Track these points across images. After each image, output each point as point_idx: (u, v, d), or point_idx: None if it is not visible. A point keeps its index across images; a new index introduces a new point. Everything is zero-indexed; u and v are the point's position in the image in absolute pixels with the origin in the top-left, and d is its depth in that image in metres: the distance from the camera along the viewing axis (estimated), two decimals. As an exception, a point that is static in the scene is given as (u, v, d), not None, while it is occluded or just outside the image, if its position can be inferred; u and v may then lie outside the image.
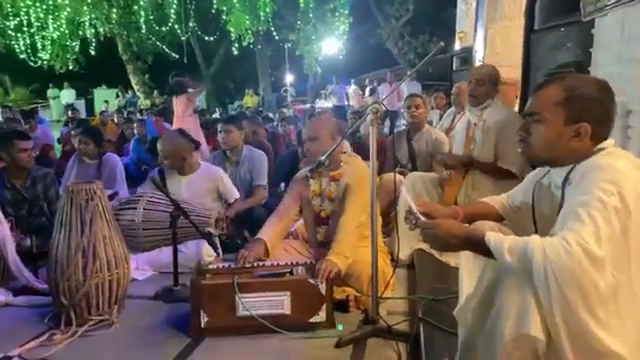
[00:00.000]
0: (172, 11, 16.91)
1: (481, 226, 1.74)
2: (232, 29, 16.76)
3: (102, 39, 18.22)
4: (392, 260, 3.07)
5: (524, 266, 1.37)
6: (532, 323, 1.35)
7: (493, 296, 1.46)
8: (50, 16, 16.64)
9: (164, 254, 3.28)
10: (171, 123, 7.99)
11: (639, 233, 1.40)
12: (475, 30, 7.30)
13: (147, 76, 20.67)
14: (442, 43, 2.52)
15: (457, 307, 1.74)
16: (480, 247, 1.49)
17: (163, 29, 17.80)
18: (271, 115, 11.67)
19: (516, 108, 4.53)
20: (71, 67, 18.67)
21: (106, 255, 2.62)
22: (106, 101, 18.69)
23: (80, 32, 17.65)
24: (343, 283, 2.72)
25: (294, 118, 9.22)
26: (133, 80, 20.37)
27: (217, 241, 3.39)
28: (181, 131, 4.04)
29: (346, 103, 15.09)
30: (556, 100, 1.57)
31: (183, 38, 18.04)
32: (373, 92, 13.85)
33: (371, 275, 2.45)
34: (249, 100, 18.31)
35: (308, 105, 16.62)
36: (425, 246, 3.14)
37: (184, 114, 7.37)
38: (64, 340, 2.48)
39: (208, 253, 3.36)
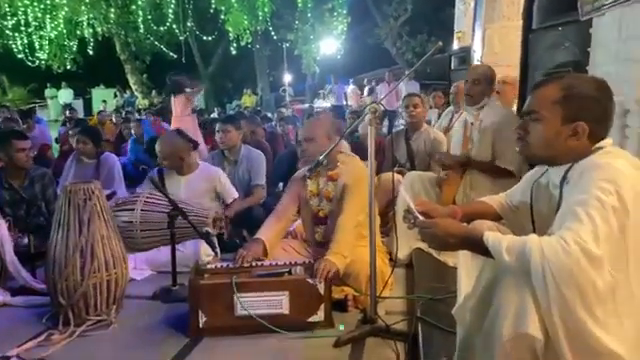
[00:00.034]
0: (170, 11, 16.90)
1: (479, 225, 1.74)
2: (230, 29, 16.76)
3: (100, 39, 18.18)
4: (390, 259, 3.07)
5: (522, 265, 1.37)
6: (530, 322, 1.35)
7: (491, 295, 1.46)
8: (48, 16, 16.60)
9: (162, 254, 3.28)
10: (169, 123, 7.98)
11: (637, 232, 1.40)
12: (473, 30, 7.31)
13: (145, 76, 20.64)
14: (440, 43, 2.53)
15: (455, 306, 1.74)
16: (478, 246, 1.49)
17: (161, 29, 17.80)
18: (269, 115, 11.66)
19: (514, 107, 4.53)
20: (69, 67, 18.63)
21: (104, 255, 2.62)
22: (104, 101, 18.69)
23: (78, 32, 17.61)
24: (342, 282, 2.72)
25: (293, 118, 9.21)
26: (131, 80, 20.34)
27: (215, 241, 3.39)
28: (179, 131, 4.04)
29: (344, 103, 15.08)
30: (554, 99, 1.57)
31: (181, 38, 18.02)
32: (371, 92, 13.85)
33: (369, 274, 2.45)
34: (247, 100, 18.30)
35: (306, 105, 16.63)
36: (423, 245, 3.14)
37: (182, 114, 7.37)
38: (62, 340, 2.48)
39: (206, 253, 3.35)
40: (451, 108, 5.24)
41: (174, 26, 17.44)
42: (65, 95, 19.22)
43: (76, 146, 4.59)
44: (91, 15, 17.12)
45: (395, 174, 3.17)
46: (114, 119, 10.45)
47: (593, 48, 3.08)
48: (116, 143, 8.06)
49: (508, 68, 5.00)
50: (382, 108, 2.46)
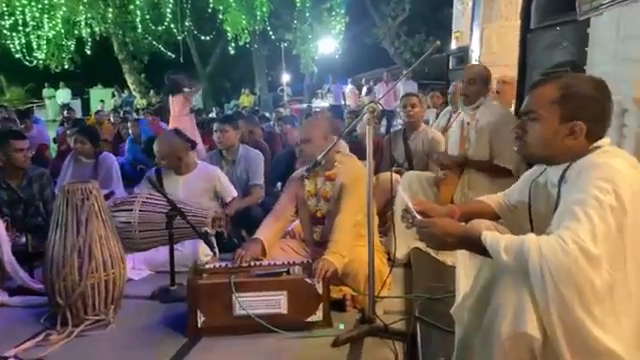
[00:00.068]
0: (168, 10, 16.86)
1: (477, 225, 1.74)
2: (228, 28, 16.74)
3: (98, 38, 18.16)
4: (389, 259, 3.07)
5: (520, 265, 1.37)
6: (528, 321, 1.36)
7: (490, 295, 1.47)
8: (45, 15, 16.56)
9: (160, 253, 3.27)
10: (167, 123, 7.97)
11: (635, 231, 1.40)
12: (471, 29, 7.31)
13: (143, 75, 20.62)
14: (438, 42, 2.52)
15: (454, 306, 1.74)
16: (476, 246, 1.49)
17: (159, 28, 17.75)
18: (268, 115, 11.66)
19: (513, 107, 4.54)
20: (67, 67, 18.58)
21: (102, 255, 2.61)
22: (102, 101, 18.65)
23: (76, 31, 17.58)
24: (340, 282, 2.72)
25: (291, 117, 9.21)
26: (129, 80, 20.31)
27: (214, 241, 3.39)
28: (177, 131, 4.03)
29: (342, 103, 15.08)
30: (552, 98, 1.58)
31: (179, 37, 17.99)
32: (370, 92, 13.86)
33: (368, 274, 2.44)
34: (245, 100, 18.29)
35: (305, 105, 16.62)
36: (422, 245, 3.14)
37: (181, 113, 7.35)
38: (60, 340, 2.47)
39: (205, 253, 3.35)
40: (449, 108, 5.25)
41: (172, 26, 17.41)
42: (63, 95, 19.20)
43: (74, 146, 4.59)
44: (89, 15, 17.08)
45: (393, 174, 3.17)
46: (112, 119, 10.44)
47: (591, 48, 3.08)
48: (114, 143, 8.06)
49: (507, 68, 5.01)
50: (380, 108, 2.45)
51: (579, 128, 1.54)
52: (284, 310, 2.47)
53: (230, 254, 2.91)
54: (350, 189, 2.84)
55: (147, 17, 17.26)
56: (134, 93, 20.09)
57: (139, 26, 17.39)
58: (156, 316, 2.77)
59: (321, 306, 2.50)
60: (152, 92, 19.31)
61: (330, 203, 2.94)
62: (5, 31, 16.55)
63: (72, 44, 18.01)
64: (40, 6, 16.23)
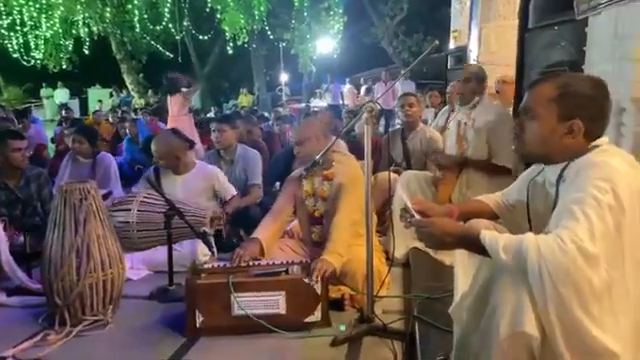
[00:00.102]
0: (166, 10, 16.85)
1: (476, 224, 1.74)
2: (227, 28, 16.74)
3: (96, 38, 18.14)
4: (387, 258, 3.07)
5: (519, 264, 1.37)
6: (527, 321, 1.36)
7: (488, 294, 1.47)
8: (43, 15, 16.54)
9: (159, 253, 3.27)
10: (166, 122, 7.97)
11: (633, 230, 1.40)
12: (469, 29, 7.31)
13: (141, 75, 20.60)
14: (437, 42, 2.52)
15: (452, 305, 1.74)
16: (475, 245, 1.49)
17: (157, 28, 17.75)
18: (266, 114, 11.65)
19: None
20: (65, 66, 18.57)
21: (100, 255, 2.61)
22: (100, 100, 18.62)
23: (74, 31, 17.56)
24: (338, 282, 2.72)
25: (290, 117, 9.21)
26: (127, 79, 20.29)
27: (212, 240, 3.39)
28: (175, 130, 4.03)
29: (340, 102, 15.09)
30: (550, 97, 1.58)
31: (177, 37, 18.00)
32: (369, 91, 13.85)
33: (366, 274, 2.45)
34: (244, 99, 18.28)
35: (303, 104, 16.61)
36: (420, 244, 3.11)
37: (179, 113, 7.36)
38: (58, 340, 2.47)
39: (203, 252, 3.34)
40: (447, 107, 5.25)
41: (170, 25, 17.40)
42: (61, 95, 19.16)
43: (72, 145, 4.58)
44: (87, 14, 17.06)
45: (391, 173, 3.17)
46: (110, 119, 10.42)
47: (589, 47, 3.08)
48: (112, 143, 8.04)
49: (507, 68, 5.00)
50: (378, 107, 2.46)
51: (577, 127, 1.54)
52: (282, 310, 2.47)
53: (228, 254, 2.91)
54: (348, 188, 2.84)
55: (145, 17, 17.25)
56: (132, 93, 20.07)
57: (137, 26, 17.38)
58: (154, 316, 2.77)
59: (320, 306, 2.49)
60: (150, 92, 19.28)
61: (328, 203, 2.94)
62: (3, 31, 16.54)
63: (70, 44, 18.00)
64: (38, 6, 16.21)
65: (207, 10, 16.92)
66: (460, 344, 1.68)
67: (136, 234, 3.39)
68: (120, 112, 12.42)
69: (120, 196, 4.02)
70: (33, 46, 17.30)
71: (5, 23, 16.32)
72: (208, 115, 12.73)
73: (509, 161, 3.20)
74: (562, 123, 1.56)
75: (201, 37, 18.92)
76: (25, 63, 17.72)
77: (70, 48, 18.17)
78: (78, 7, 16.54)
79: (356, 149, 4.14)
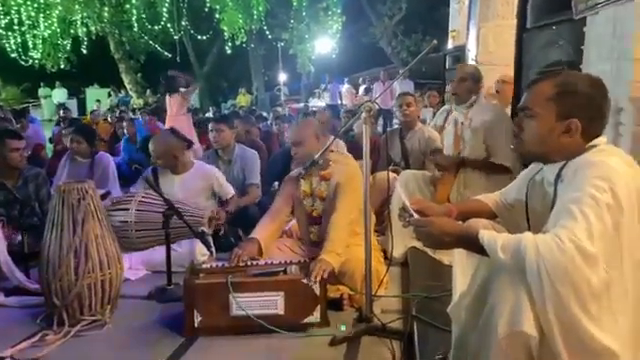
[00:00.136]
0: (164, 10, 16.83)
1: (474, 224, 1.74)
2: (225, 28, 16.72)
3: (94, 38, 18.12)
4: (386, 258, 3.07)
5: (517, 263, 1.37)
6: (525, 320, 1.36)
7: (486, 293, 1.47)
8: (41, 14, 16.52)
9: (157, 253, 3.27)
10: (164, 122, 7.96)
11: (631, 230, 1.40)
12: (468, 29, 7.30)
13: (139, 75, 20.59)
14: (435, 42, 2.53)
15: (451, 305, 1.74)
16: (474, 245, 1.49)
17: (155, 28, 17.72)
18: (265, 114, 11.65)
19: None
20: (63, 66, 18.56)
21: (98, 255, 2.60)
22: (98, 100, 18.58)
23: (72, 31, 17.54)
24: (337, 281, 2.72)
25: (288, 117, 9.22)
26: (125, 79, 20.27)
27: (210, 240, 3.39)
28: (173, 130, 4.02)
29: (339, 102, 15.10)
30: (548, 96, 1.58)
31: (176, 37, 17.99)
32: (368, 91, 13.87)
33: (365, 273, 2.45)
34: (242, 99, 18.27)
35: (302, 104, 16.62)
36: (419, 244, 3.12)
37: (178, 113, 7.35)
38: (56, 340, 2.46)
39: (201, 252, 3.34)
40: (446, 107, 5.25)
41: (168, 25, 17.39)
42: (59, 94, 19.13)
43: (70, 145, 4.57)
44: (85, 14, 17.05)
45: (390, 173, 3.17)
46: (109, 118, 10.41)
47: (587, 46, 3.08)
48: (110, 142, 8.04)
49: (506, 67, 5.00)
50: (377, 107, 2.47)
51: (575, 126, 1.54)
52: (281, 311, 2.46)
53: (227, 254, 2.91)
54: (345, 188, 2.84)
55: (143, 16, 17.23)
56: (130, 93, 20.06)
57: (135, 25, 17.36)
58: (153, 316, 2.76)
59: (318, 307, 2.49)
60: (148, 92, 19.30)
61: (326, 203, 2.94)
62: (0, 30, 16.52)
63: (68, 43, 17.98)
64: (36, 5, 16.19)
65: (206, 10, 16.91)
66: (458, 343, 1.68)
67: (134, 234, 3.38)
68: (118, 112, 12.41)
69: (118, 196, 4.01)
70: (31, 46, 17.27)
71: (3, 23, 16.30)
72: (207, 115, 12.72)
73: (507, 160, 3.21)
74: (560, 122, 1.56)
75: (199, 37, 18.90)
76: (23, 63, 17.69)
77: (68, 48, 18.15)
78: (76, 7, 16.52)
79: (355, 149, 4.15)
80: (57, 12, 16.51)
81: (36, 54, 17.53)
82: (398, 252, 3.26)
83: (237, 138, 4.65)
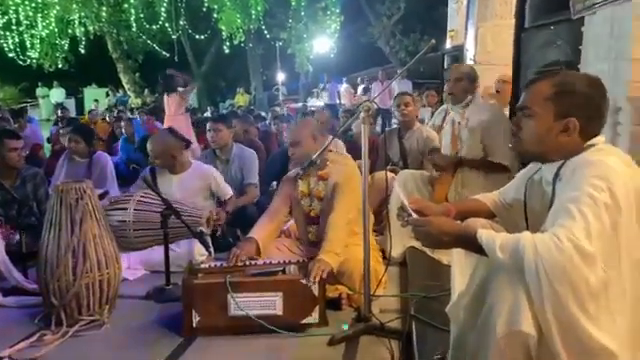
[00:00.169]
0: (162, 9, 16.82)
1: (473, 223, 1.74)
2: (223, 27, 16.71)
3: (92, 37, 18.07)
4: (384, 258, 3.07)
5: (516, 263, 1.37)
6: (523, 319, 1.36)
7: (485, 293, 1.47)
8: (39, 14, 16.48)
9: (156, 253, 3.26)
10: (162, 122, 7.95)
11: (629, 229, 1.40)
12: (466, 28, 7.31)
13: (138, 75, 20.56)
14: (433, 41, 2.53)
15: (449, 304, 1.74)
16: (472, 244, 1.49)
17: (154, 27, 17.70)
18: (263, 114, 11.65)
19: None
20: (60, 66, 18.51)
21: (96, 255, 2.60)
22: (96, 100, 18.57)
23: (69, 30, 17.50)
24: (335, 281, 2.71)
25: (287, 116, 9.22)
26: (123, 79, 20.24)
27: (209, 240, 3.38)
28: (171, 130, 4.02)
29: (337, 102, 15.10)
30: (546, 95, 1.59)
31: (174, 37, 17.95)
32: (367, 91, 13.87)
33: (363, 273, 2.45)
34: (240, 99, 18.27)
35: (300, 104, 16.62)
36: (417, 244, 3.11)
37: (176, 112, 7.34)
38: (55, 341, 2.46)
39: (200, 252, 3.34)
40: (444, 107, 5.25)
41: (166, 25, 17.37)
42: (57, 94, 19.09)
43: (68, 145, 4.57)
44: (82, 13, 17.00)
45: (388, 172, 3.18)
46: (107, 118, 10.40)
47: (585, 46, 3.09)
48: (108, 142, 8.03)
49: (505, 67, 5.01)
50: (375, 106, 2.48)
51: (572, 125, 1.55)
52: (279, 311, 2.46)
53: (225, 253, 2.91)
54: (343, 188, 2.84)
55: (141, 16, 17.20)
56: (128, 92, 20.02)
57: (133, 25, 17.32)
58: (151, 316, 2.76)
59: (317, 308, 2.49)
60: (147, 91, 19.26)
61: (323, 203, 2.94)
62: (-2, 30, 16.48)
63: (66, 43, 17.93)
64: (33, 5, 16.14)
65: (204, 9, 16.90)
66: (457, 343, 1.68)
67: (133, 233, 3.38)
68: (116, 111, 12.39)
69: (117, 195, 4.01)
70: (29, 45, 17.22)
71: (1, 22, 16.24)
72: (205, 114, 12.72)
73: (505, 158, 3.22)
74: (558, 121, 1.57)
75: (198, 36, 18.88)
76: (21, 62, 17.64)
77: (66, 47, 18.10)
78: (74, 6, 16.48)
79: (353, 148, 4.15)
80: (55, 12, 16.48)
81: (34, 54, 17.49)
82: (397, 252, 3.26)
83: (235, 138, 4.65)
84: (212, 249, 3.30)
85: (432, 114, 6.44)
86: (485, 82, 5.43)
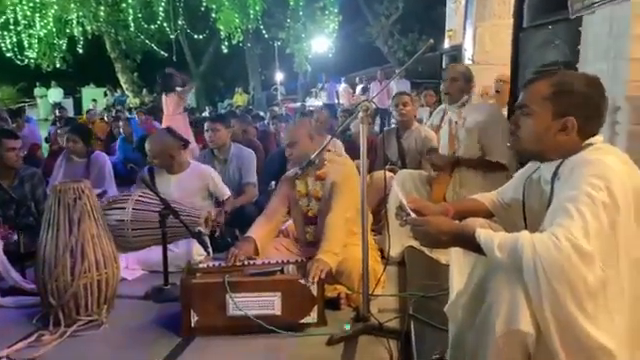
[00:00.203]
0: (161, 9, 16.77)
1: (471, 223, 1.75)
2: (221, 27, 16.67)
3: (90, 37, 18.02)
4: (383, 257, 3.07)
5: (514, 262, 1.37)
6: (522, 318, 1.36)
7: (483, 292, 1.47)
8: (37, 14, 16.42)
9: (154, 253, 3.26)
10: (160, 121, 7.94)
11: (627, 228, 1.41)
12: (464, 28, 7.31)
13: (136, 74, 20.49)
14: (431, 41, 2.52)
15: (448, 304, 1.74)
16: (470, 244, 1.49)
17: (152, 27, 17.63)
18: (261, 113, 11.64)
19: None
20: (58, 65, 18.43)
21: (95, 255, 2.60)
22: (94, 100, 18.53)
23: (67, 30, 17.43)
24: (334, 281, 2.72)
25: (285, 116, 9.22)
26: (122, 79, 20.19)
27: (207, 240, 3.38)
28: (169, 130, 4.02)
29: (336, 101, 15.10)
30: (544, 94, 1.59)
31: (172, 36, 17.90)
32: (365, 91, 13.86)
33: (362, 273, 2.45)
34: (239, 99, 18.26)
35: (299, 103, 16.61)
36: (416, 243, 3.11)
37: (175, 112, 7.33)
38: (53, 341, 2.46)
39: (198, 252, 3.34)
40: (442, 106, 5.25)
41: (165, 24, 17.31)
42: (55, 94, 19.07)
43: (66, 145, 4.56)
44: (80, 13, 16.94)
45: (387, 172, 3.18)
46: (105, 118, 10.39)
47: (583, 46, 3.09)
48: (106, 142, 8.02)
49: (503, 67, 5.01)
50: (374, 106, 2.48)
51: (571, 124, 1.55)
52: (278, 311, 2.46)
53: (224, 253, 2.90)
54: (341, 187, 2.85)
55: (139, 16, 17.15)
56: (127, 92, 19.97)
57: (131, 25, 17.26)
58: (149, 316, 2.76)
59: (315, 307, 2.49)
60: (145, 91, 19.21)
61: (321, 203, 2.94)
62: (-4, 30, 16.44)
63: (64, 43, 17.86)
64: (31, 4, 16.09)
65: (202, 9, 16.86)
66: (455, 342, 1.68)
67: (131, 232, 3.38)
68: (114, 111, 12.37)
69: (115, 195, 4.00)
70: (27, 45, 17.16)
71: (-1, 22, 16.23)
72: (203, 114, 12.71)
73: (503, 157, 3.22)
74: (556, 120, 1.57)
75: (196, 36, 18.84)
76: (19, 62, 17.57)
77: (64, 47, 18.03)
78: (72, 6, 16.43)
79: (352, 148, 4.15)
80: (53, 11, 16.42)
81: (32, 53, 17.42)
82: (395, 251, 3.26)
83: (234, 137, 4.64)
84: (210, 249, 3.30)
85: (430, 114, 6.45)
86: (483, 82, 5.44)
